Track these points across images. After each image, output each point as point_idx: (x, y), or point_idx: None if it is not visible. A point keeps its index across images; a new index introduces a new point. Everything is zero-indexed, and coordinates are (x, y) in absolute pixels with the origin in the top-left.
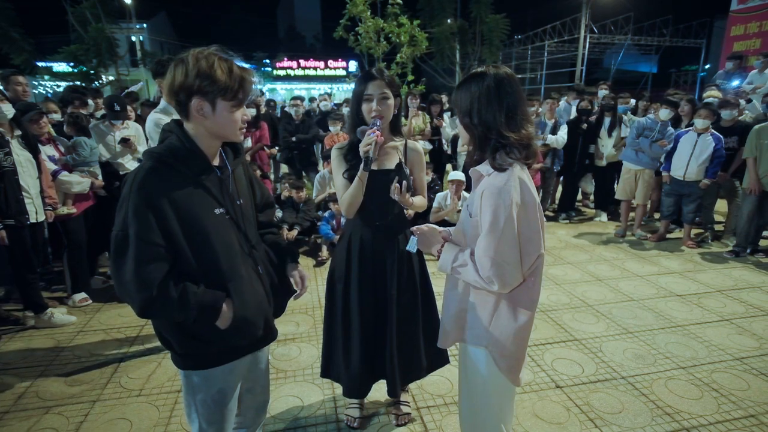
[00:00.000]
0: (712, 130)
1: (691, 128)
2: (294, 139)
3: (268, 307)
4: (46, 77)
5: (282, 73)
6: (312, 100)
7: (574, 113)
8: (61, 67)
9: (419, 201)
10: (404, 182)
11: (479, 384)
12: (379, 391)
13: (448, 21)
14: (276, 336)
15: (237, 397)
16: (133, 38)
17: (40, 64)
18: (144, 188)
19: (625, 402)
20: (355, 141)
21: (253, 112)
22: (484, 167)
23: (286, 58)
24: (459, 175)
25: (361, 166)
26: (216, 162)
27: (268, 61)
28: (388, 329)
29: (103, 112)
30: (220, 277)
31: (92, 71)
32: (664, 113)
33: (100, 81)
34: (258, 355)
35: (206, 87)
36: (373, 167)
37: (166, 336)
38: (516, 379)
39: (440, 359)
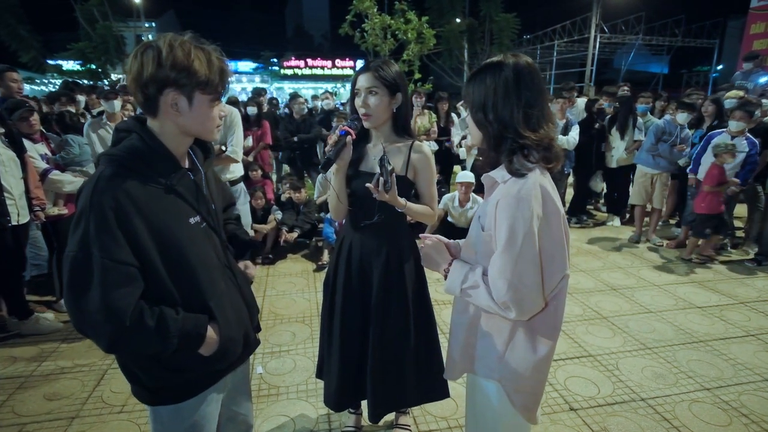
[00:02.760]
0: (748, 134)
1: (724, 130)
2: (296, 139)
3: (248, 321)
4: (56, 75)
5: (289, 72)
6: (314, 98)
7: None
8: (69, 65)
9: (420, 208)
10: (380, 179)
11: (489, 420)
12: None
13: (457, 20)
14: (256, 346)
15: (214, 428)
16: (143, 37)
17: (49, 62)
18: (107, 198)
19: (646, 427)
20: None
21: (254, 110)
22: (499, 173)
23: (293, 57)
24: (468, 176)
25: (321, 167)
26: (186, 164)
27: (275, 60)
28: (369, 346)
29: (100, 108)
30: (200, 296)
31: (100, 69)
32: (682, 117)
33: (109, 79)
34: (238, 377)
35: (183, 79)
36: (364, 168)
37: (132, 368)
38: (533, 417)
39: (438, 391)
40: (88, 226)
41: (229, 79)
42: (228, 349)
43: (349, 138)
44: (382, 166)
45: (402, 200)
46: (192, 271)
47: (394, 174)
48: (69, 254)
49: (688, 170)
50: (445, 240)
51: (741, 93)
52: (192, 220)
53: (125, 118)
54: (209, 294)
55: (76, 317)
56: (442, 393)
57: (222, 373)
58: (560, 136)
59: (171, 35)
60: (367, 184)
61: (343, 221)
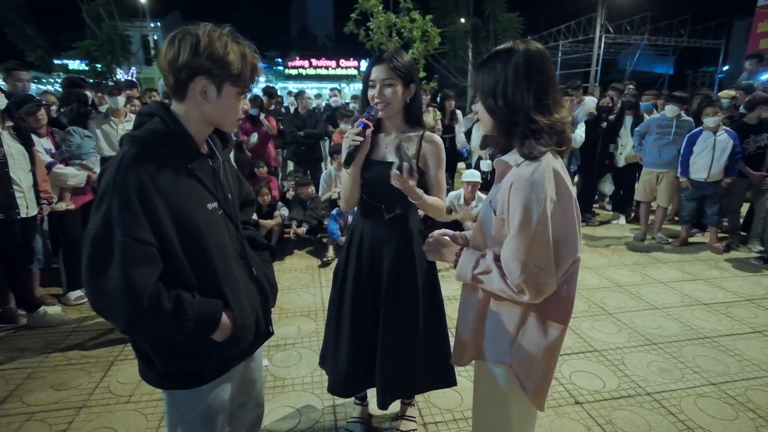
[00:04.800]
0: (725, 127)
1: (702, 128)
2: (302, 133)
3: (260, 310)
4: (62, 74)
5: (294, 72)
6: (317, 97)
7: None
8: (75, 64)
9: (433, 200)
10: (405, 164)
11: (497, 407)
12: None
13: (462, 20)
14: (267, 337)
15: (228, 412)
16: (148, 37)
17: (56, 61)
18: (131, 178)
19: (652, 421)
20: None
21: (254, 112)
22: (512, 156)
23: (298, 58)
24: (474, 175)
25: (343, 160)
26: (204, 150)
27: (280, 60)
28: (379, 333)
29: (106, 106)
30: (215, 282)
31: (106, 68)
32: (669, 109)
33: (114, 79)
34: (250, 365)
35: (216, 69)
36: (375, 158)
37: (146, 351)
38: (542, 404)
39: (445, 378)
40: (110, 204)
41: (259, 76)
42: (240, 336)
43: (369, 131)
44: (401, 152)
45: (419, 191)
46: (209, 256)
47: (413, 160)
48: (90, 232)
49: (678, 173)
50: (449, 232)
51: (732, 93)
52: (210, 206)
53: (131, 115)
54: (224, 280)
55: (93, 296)
56: (450, 381)
57: (235, 361)
58: None
59: (210, 26)
60: (394, 170)
61: (350, 218)
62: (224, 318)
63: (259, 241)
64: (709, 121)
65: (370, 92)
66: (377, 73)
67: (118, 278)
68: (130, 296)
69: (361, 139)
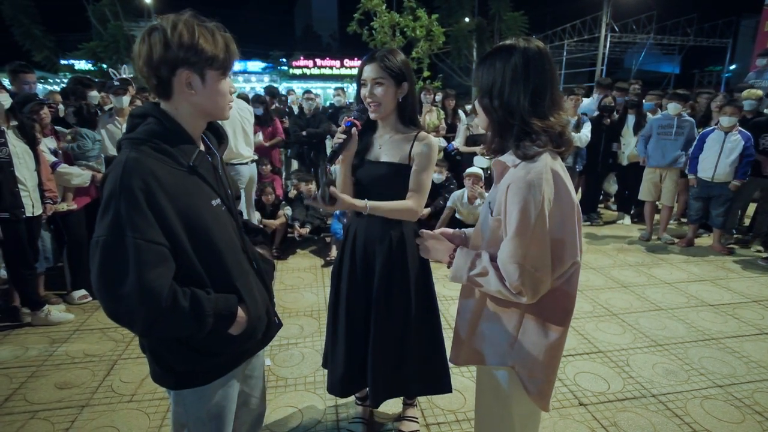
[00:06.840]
0: (740, 128)
1: (716, 127)
2: (304, 133)
3: (268, 301)
4: (68, 74)
5: (298, 72)
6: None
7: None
8: (81, 65)
9: (391, 205)
10: (319, 191)
11: (500, 410)
12: (384, 404)
13: (466, 19)
14: (278, 329)
15: (234, 409)
16: None
17: (62, 62)
18: (136, 180)
19: (657, 424)
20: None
21: (259, 112)
22: (509, 157)
23: (302, 57)
24: (476, 168)
25: (327, 160)
26: (201, 147)
27: (284, 60)
28: (371, 333)
29: (110, 105)
30: (227, 277)
31: (112, 69)
32: (672, 107)
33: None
34: (252, 360)
35: (192, 57)
36: (369, 157)
37: (162, 352)
38: (546, 405)
39: (439, 385)
40: (119, 208)
41: (235, 54)
42: (256, 327)
43: (354, 129)
44: (320, 176)
45: (361, 202)
46: (219, 253)
47: (330, 186)
48: (99, 239)
49: (687, 170)
50: (448, 231)
51: (760, 93)
52: (214, 203)
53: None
54: (235, 274)
55: (109, 303)
56: (445, 387)
57: (246, 355)
58: (572, 134)
59: (173, 16)
60: (306, 201)
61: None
62: (240, 311)
63: (251, 226)
64: (724, 120)
65: (362, 91)
66: (368, 72)
67: (133, 282)
68: (147, 299)
69: (344, 137)
